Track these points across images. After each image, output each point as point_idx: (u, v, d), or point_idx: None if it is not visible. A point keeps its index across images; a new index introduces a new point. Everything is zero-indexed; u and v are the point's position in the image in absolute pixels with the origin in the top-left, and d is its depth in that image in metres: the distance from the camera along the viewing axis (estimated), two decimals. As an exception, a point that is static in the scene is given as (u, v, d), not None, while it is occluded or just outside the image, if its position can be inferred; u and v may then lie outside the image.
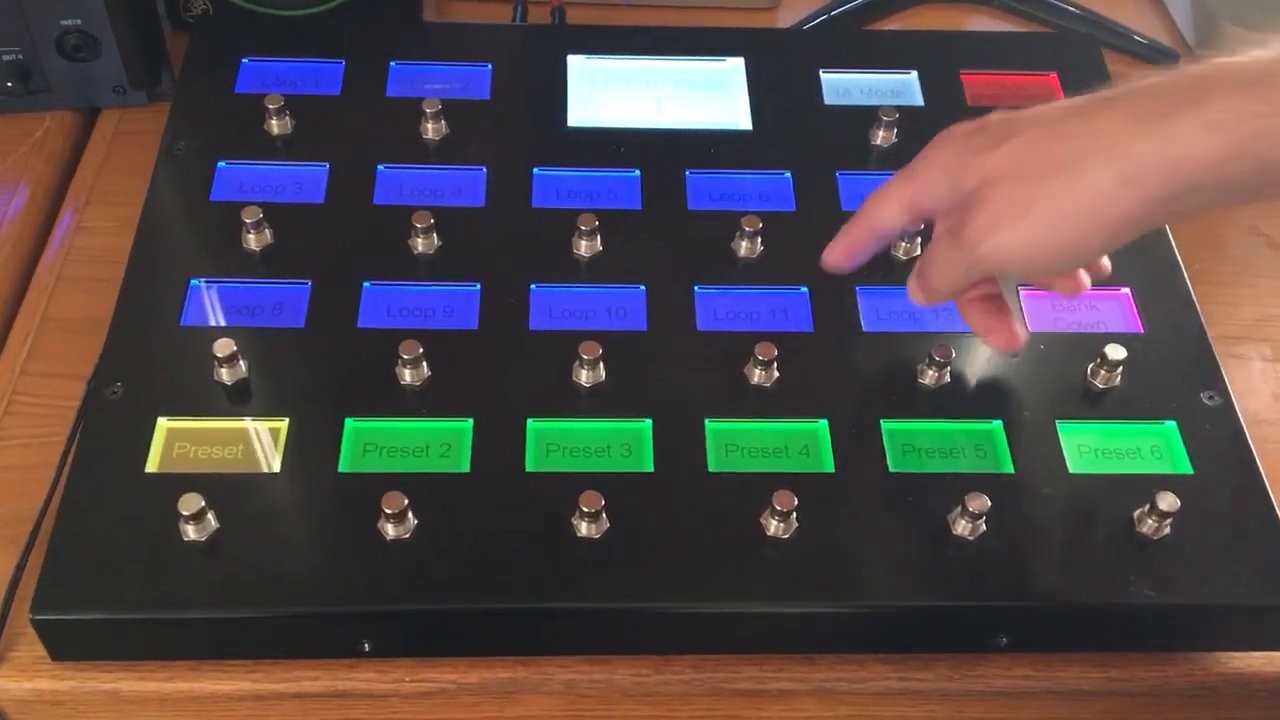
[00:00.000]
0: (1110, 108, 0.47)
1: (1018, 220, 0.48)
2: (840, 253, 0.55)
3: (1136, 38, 0.84)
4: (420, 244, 0.62)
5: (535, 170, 0.66)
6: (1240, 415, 0.59)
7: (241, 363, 0.56)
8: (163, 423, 0.55)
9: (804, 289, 0.62)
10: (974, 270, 0.51)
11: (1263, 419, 0.63)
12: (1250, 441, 0.58)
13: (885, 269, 0.63)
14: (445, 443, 0.56)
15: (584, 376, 0.58)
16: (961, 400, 0.58)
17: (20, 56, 0.71)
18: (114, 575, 0.51)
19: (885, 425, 0.57)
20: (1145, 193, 0.45)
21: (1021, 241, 0.48)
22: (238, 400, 0.56)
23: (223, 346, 0.56)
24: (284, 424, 0.56)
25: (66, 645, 0.51)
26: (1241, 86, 0.44)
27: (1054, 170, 0.47)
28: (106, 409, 0.55)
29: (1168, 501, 0.53)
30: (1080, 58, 0.74)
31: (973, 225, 0.49)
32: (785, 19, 0.84)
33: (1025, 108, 0.51)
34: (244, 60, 0.70)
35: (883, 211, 0.53)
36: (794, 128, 0.69)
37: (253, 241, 0.61)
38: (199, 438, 0.55)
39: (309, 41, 0.72)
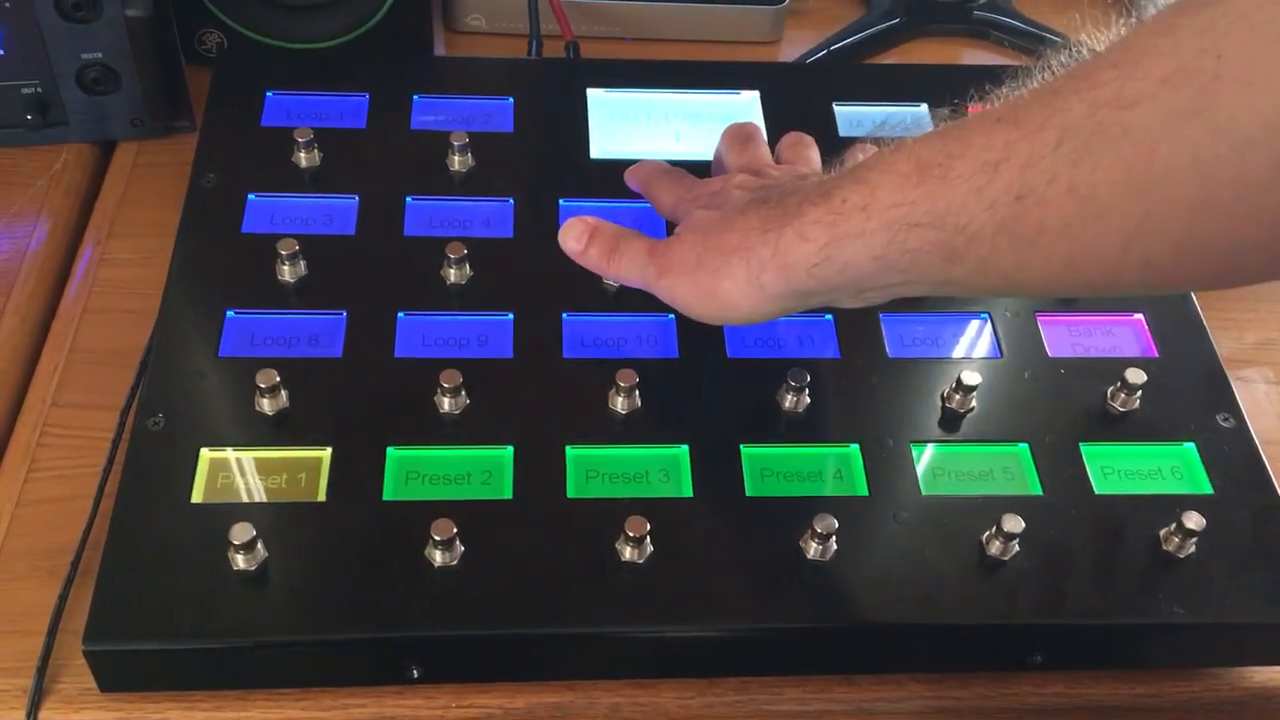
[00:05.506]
0: (757, 211, 0.54)
1: (687, 277, 0.55)
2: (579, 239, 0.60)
3: (1127, 71, 0.86)
4: (453, 274, 0.62)
5: (561, 201, 0.67)
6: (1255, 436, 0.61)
7: (283, 393, 0.57)
8: (205, 453, 0.56)
9: (828, 316, 0.63)
10: (648, 287, 0.57)
11: (1271, 439, 0.64)
12: (1266, 461, 0.60)
13: (908, 299, 0.64)
14: (486, 470, 0.56)
15: (620, 403, 0.58)
16: (988, 424, 0.60)
17: (40, 89, 0.71)
18: (165, 605, 0.51)
19: (915, 449, 0.59)
20: (766, 291, 0.52)
21: (684, 296, 0.56)
22: (280, 430, 0.57)
23: (265, 377, 0.56)
24: (326, 453, 0.56)
25: (117, 676, 0.51)
26: (820, 198, 0.51)
27: (715, 254, 0.54)
28: (149, 440, 0.56)
29: (1194, 520, 0.55)
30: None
31: (664, 258, 0.56)
32: (787, 53, 0.86)
33: (780, 174, 0.59)
34: (269, 94, 0.70)
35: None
36: (811, 159, 0.71)
37: (287, 273, 0.62)
38: (243, 468, 0.56)
39: (328, 75, 0.72)
